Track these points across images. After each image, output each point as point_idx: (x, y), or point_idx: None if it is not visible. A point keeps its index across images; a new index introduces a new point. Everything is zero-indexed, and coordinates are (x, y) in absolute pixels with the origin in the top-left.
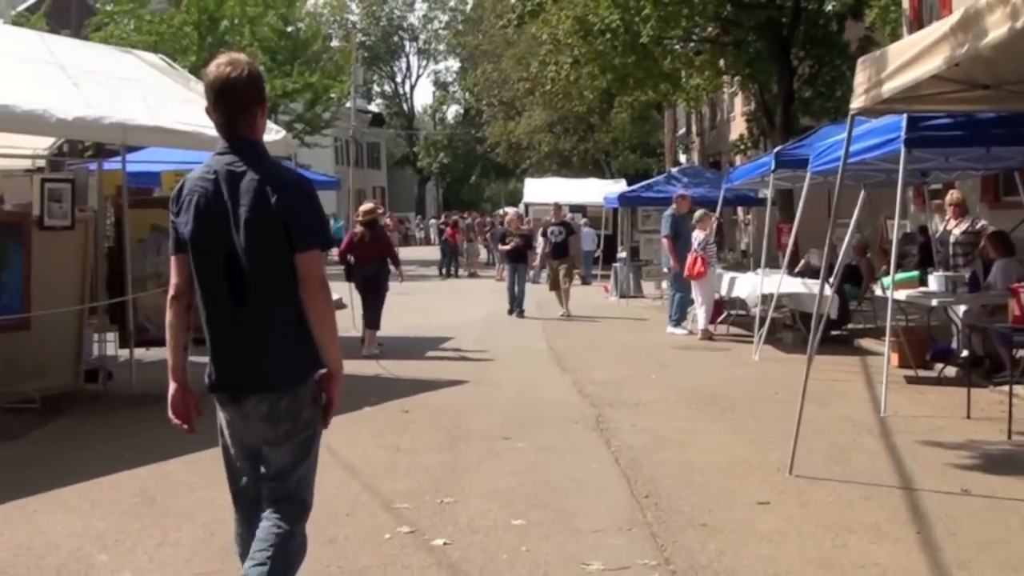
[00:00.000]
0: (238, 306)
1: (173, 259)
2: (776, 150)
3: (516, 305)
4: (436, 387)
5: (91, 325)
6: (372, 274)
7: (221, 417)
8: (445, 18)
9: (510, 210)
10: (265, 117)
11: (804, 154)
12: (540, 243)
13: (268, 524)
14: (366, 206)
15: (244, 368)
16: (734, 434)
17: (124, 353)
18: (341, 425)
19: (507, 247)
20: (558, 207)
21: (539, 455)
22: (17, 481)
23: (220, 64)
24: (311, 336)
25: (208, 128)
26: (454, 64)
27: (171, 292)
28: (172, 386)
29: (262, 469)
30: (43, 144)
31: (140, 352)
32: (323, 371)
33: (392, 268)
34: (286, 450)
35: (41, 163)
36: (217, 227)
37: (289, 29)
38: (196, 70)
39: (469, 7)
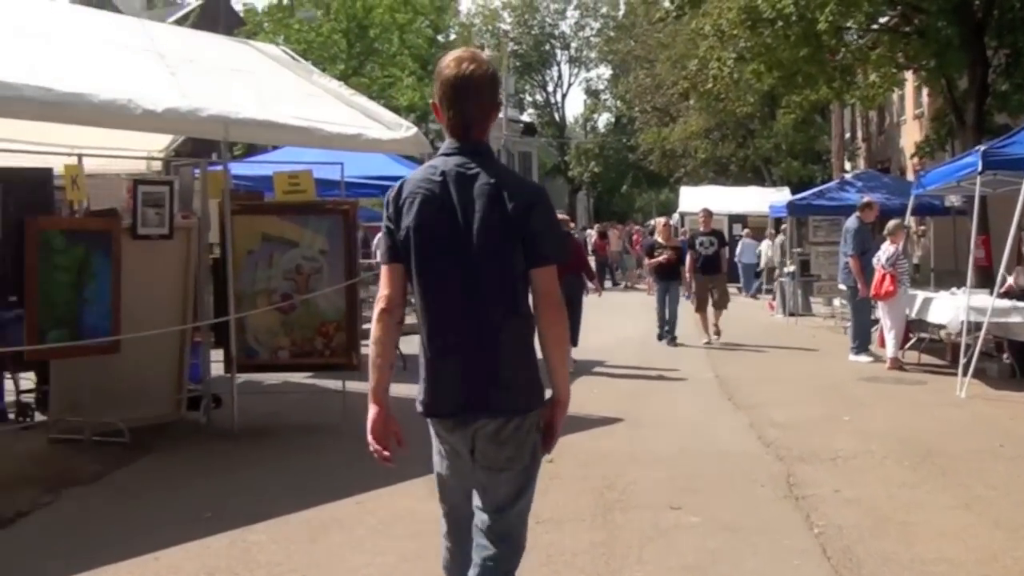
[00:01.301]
0: (470, 321)
1: (385, 268)
2: (981, 149)
3: (667, 331)
4: (586, 426)
5: (200, 344)
6: (565, 288)
7: (437, 444)
8: (597, 25)
9: (660, 220)
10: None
11: (1018, 153)
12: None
13: (483, 570)
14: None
15: (477, 390)
16: (969, 511)
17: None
18: None
19: (656, 261)
20: (708, 214)
21: (719, 538)
22: (62, 549)
23: (461, 60)
24: (536, 357)
25: (328, 124)
26: (605, 71)
27: (382, 305)
28: (373, 409)
29: (477, 501)
30: (158, 144)
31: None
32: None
33: (588, 283)
34: (508, 479)
35: (156, 166)
36: (444, 233)
37: (439, 37)
38: (345, 78)
39: (621, 13)
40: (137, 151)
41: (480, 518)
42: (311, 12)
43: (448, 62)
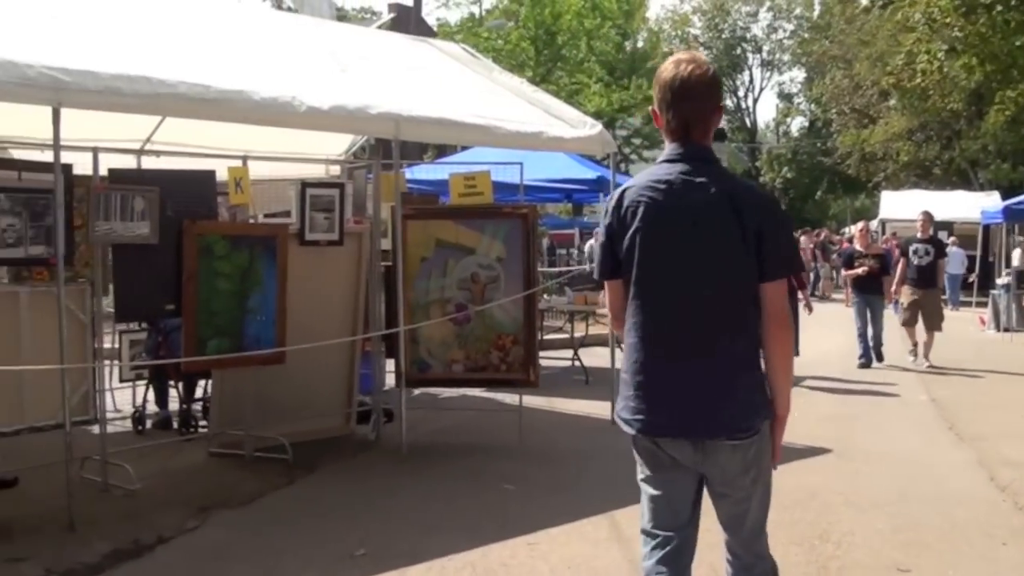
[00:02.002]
0: (696, 336)
1: (608, 285)
2: None
3: (869, 353)
4: (789, 456)
5: (373, 354)
6: None
7: (648, 465)
8: (790, 27)
9: (859, 225)
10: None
11: None
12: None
13: None
14: None
15: (705, 408)
16: None
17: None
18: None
19: (856, 273)
20: (927, 218)
21: None
22: None
23: (680, 62)
24: (762, 373)
25: (507, 122)
26: (799, 74)
27: (614, 326)
28: None
29: (723, 527)
30: (338, 147)
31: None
32: None
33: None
34: (753, 502)
35: (335, 171)
36: (670, 244)
37: (627, 43)
38: (532, 85)
39: (816, 13)
40: (314, 155)
41: (734, 546)
42: (501, 21)
43: (667, 65)
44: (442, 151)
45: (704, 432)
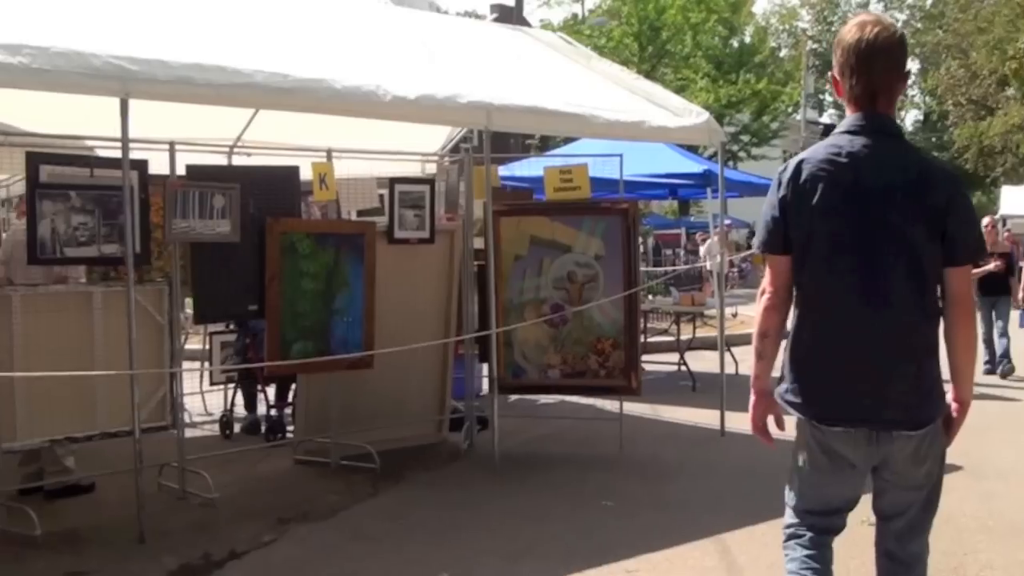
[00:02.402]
0: (878, 321)
1: (773, 259)
2: None
3: (999, 361)
4: None
5: (464, 357)
6: None
7: (812, 452)
8: (902, 17)
9: (986, 220)
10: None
11: None
12: None
13: None
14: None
15: (887, 397)
16: None
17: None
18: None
19: (984, 270)
20: None
21: None
22: None
23: (865, 24)
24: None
25: (606, 111)
26: (912, 65)
27: (766, 301)
28: (753, 398)
29: (883, 520)
30: (434, 143)
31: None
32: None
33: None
34: (922, 498)
35: (431, 168)
36: (850, 223)
37: (734, 42)
38: None
39: (929, 3)
40: (408, 152)
41: (890, 542)
42: (603, 19)
43: (850, 27)
44: (546, 148)
45: (884, 422)
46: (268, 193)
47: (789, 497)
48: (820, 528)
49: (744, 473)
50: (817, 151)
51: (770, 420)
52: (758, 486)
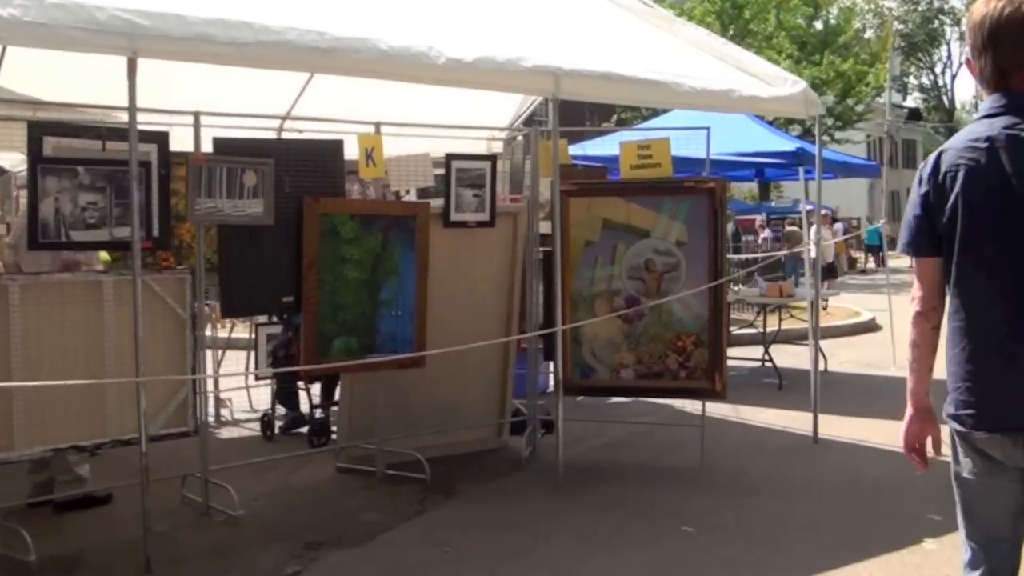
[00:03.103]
0: None
1: (920, 262)
2: None
3: None
4: None
5: (529, 352)
6: None
7: (975, 466)
8: None
9: None
10: None
11: None
12: None
13: None
14: None
15: None
16: None
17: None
18: None
19: None
20: None
21: None
22: None
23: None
24: None
25: (689, 79)
26: None
27: (916, 307)
28: (909, 411)
29: None
30: (502, 118)
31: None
32: None
33: None
34: None
35: (497, 148)
36: (994, 213)
37: (818, 22)
38: None
39: None
40: (471, 127)
41: None
42: None
43: (977, 4)
44: (624, 124)
45: None
46: (307, 170)
47: (961, 528)
48: (1000, 550)
49: (843, 491)
50: (957, 139)
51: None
52: (861, 509)
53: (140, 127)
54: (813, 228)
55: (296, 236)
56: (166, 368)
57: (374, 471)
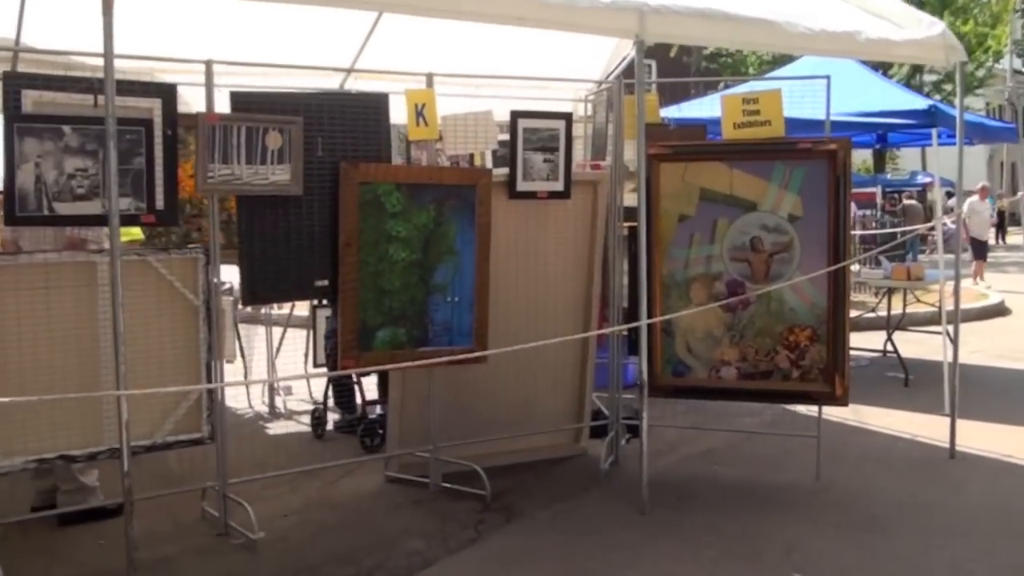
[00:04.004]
0: None
1: None
2: None
3: None
4: None
5: (611, 342)
6: None
7: None
8: None
9: None
10: None
11: None
12: None
13: None
14: None
15: None
16: None
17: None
18: None
19: None
20: None
21: None
22: None
23: None
24: None
25: (803, 18)
26: None
27: None
28: None
29: None
30: (592, 69)
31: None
32: None
33: None
34: None
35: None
36: None
37: None
38: None
39: None
40: (551, 84)
41: None
42: None
43: None
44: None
45: None
46: (345, 129)
47: None
48: None
49: (994, 527)
50: None
51: None
52: (1020, 553)
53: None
54: (970, 200)
55: (331, 209)
56: (174, 366)
57: (428, 482)
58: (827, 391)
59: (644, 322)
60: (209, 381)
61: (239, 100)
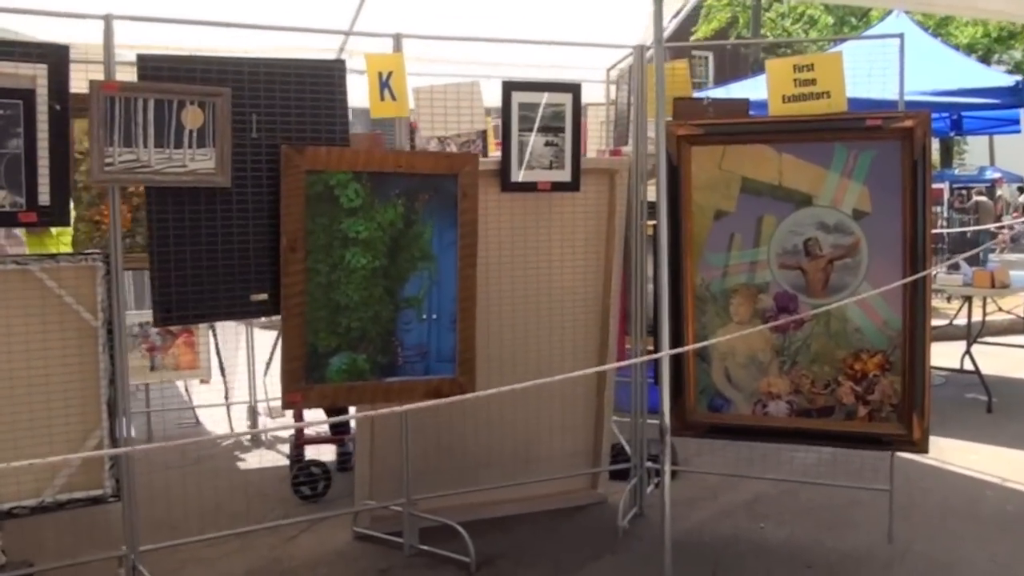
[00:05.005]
0: None
1: None
2: None
3: None
4: None
5: (634, 357)
6: None
7: None
8: None
9: None
10: None
11: None
12: None
13: None
14: None
15: None
16: None
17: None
18: None
19: None
20: None
21: None
22: None
23: None
24: None
25: None
26: None
27: None
28: None
29: None
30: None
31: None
32: None
33: None
34: None
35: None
36: None
37: None
38: None
39: None
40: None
41: None
42: None
43: None
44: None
45: None
46: (288, 104)
47: None
48: None
49: None
50: None
51: None
52: None
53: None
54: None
55: (270, 204)
56: (64, 405)
57: (401, 542)
58: (902, 434)
59: (666, 352)
60: (112, 422)
61: (148, 65)
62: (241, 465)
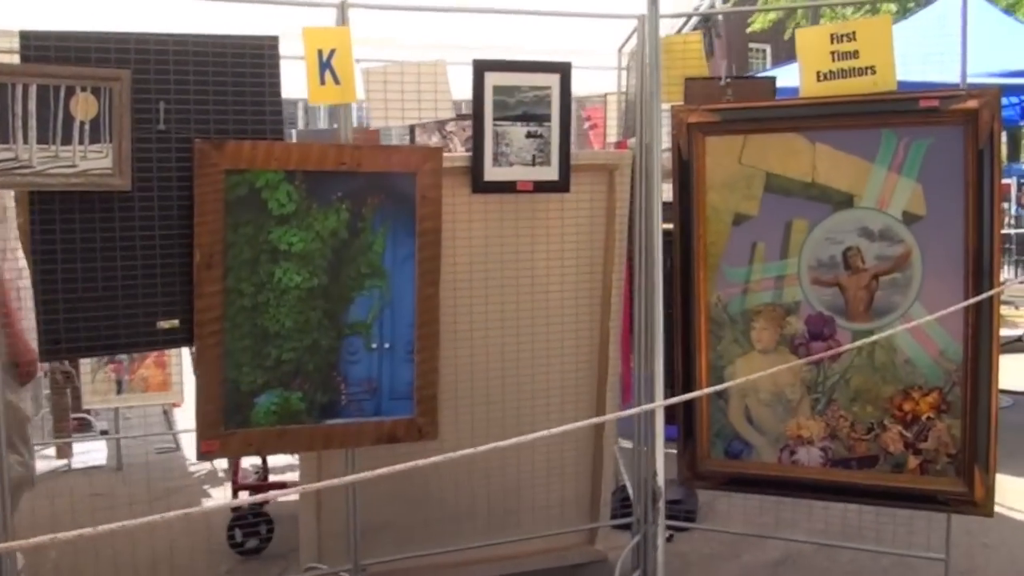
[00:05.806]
0: None
1: None
2: None
3: None
4: None
5: (637, 377)
6: None
7: None
8: None
9: None
10: None
11: None
12: None
13: None
14: None
15: None
16: None
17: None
18: None
19: None
20: None
21: None
22: None
23: None
24: None
25: None
26: None
27: None
28: None
29: None
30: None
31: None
32: None
33: None
34: None
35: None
36: None
37: None
38: None
39: None
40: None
41: None
42: None
43: None
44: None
45: None
46: (204, 90)
47: None
48: None
49: None
50: None
51: None
52: None
53: None
54: None
55: (181, 211)
56: None
57: None
58: (961, 492)
59: (659, 404)
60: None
61: (31, 43)
62: (206, 501)
